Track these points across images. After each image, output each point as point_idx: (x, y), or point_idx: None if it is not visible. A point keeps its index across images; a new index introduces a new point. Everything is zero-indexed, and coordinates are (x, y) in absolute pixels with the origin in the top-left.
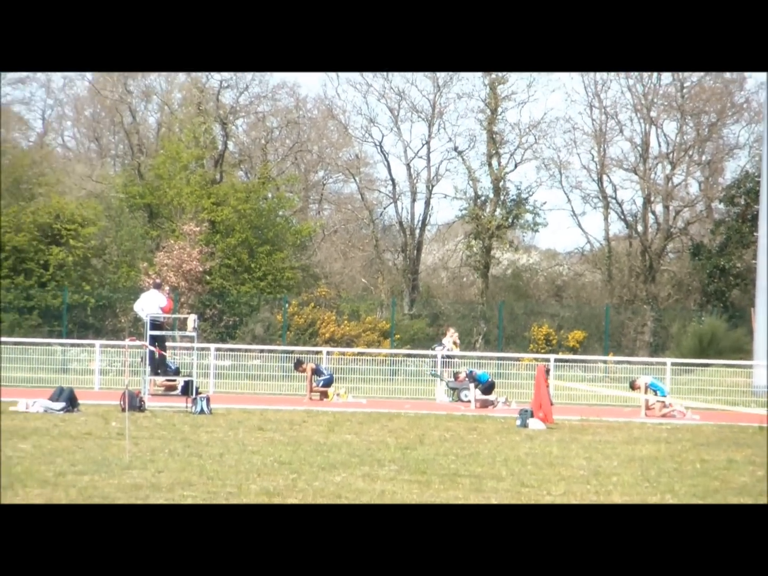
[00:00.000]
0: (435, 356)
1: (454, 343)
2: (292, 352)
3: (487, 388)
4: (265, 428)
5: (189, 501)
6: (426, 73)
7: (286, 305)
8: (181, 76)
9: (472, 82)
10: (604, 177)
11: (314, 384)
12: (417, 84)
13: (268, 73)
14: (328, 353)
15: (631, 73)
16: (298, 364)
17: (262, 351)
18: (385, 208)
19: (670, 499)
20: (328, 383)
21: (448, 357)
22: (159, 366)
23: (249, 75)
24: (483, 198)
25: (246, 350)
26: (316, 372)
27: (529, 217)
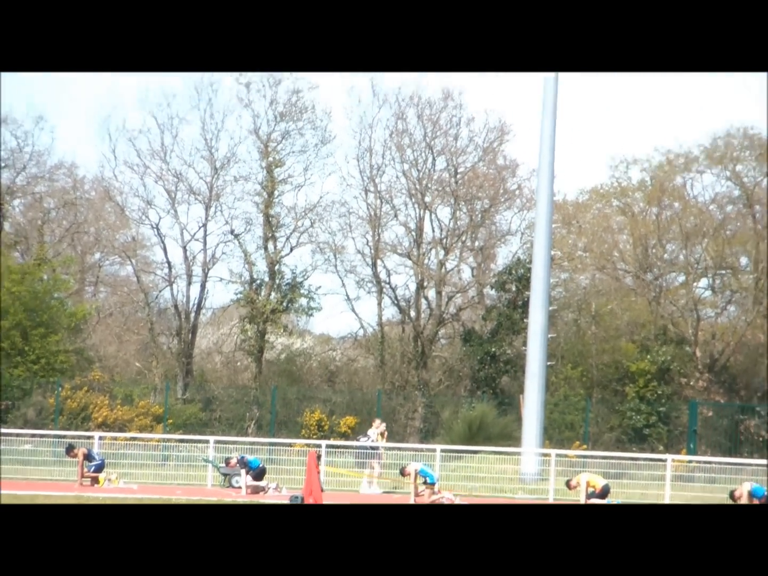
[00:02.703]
0: (219, 462)
1: (381, 434)
2: (64, 436)
3: (258, 473)
4: None
5: None
6: (203, 155)
7: (59, 389)
8: None
9: (249, 165)
10: (379, 261)
11: (86, 469)
12: (194, 166)
13: (46, 153)
14: (100, 438)
15: (406, 158)
16: (70, 449)
17: (33, 435)
18: (160, 291)
19: None
20: (99, 468)
21: (372, 449)
22: None
23: (26, 155)
24: (258, 281)
25: (17, 434)
26: (88, 457)
27: (303, 301)
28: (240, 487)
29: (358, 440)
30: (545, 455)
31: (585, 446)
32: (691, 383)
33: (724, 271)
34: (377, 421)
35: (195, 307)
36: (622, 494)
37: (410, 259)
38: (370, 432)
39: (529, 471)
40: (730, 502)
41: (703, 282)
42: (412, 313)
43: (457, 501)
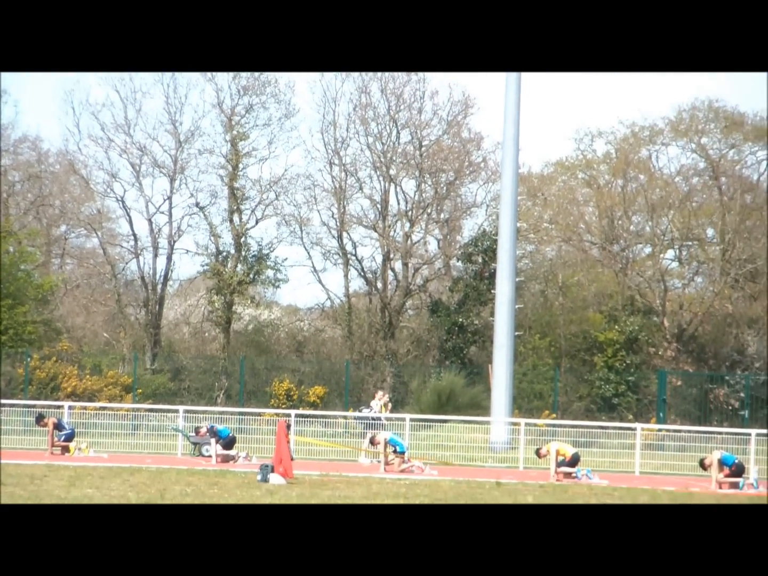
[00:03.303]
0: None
1: (384, 405)
2: (33, 406)
3: (228, 443)
4: (6, 483)
5: None
6: (167, 128)
7: (28, 359)
8: None
9: (213, 138)
10: (344, 234)
11: (56, 438)
12: (159, 139)
13: (10, 127)
14: (69, 408)
15: (371, 131)
16: (40, 419)
17: (3, 405)
18: (127, 263)
19: None
20: (69, 438)
21: (374, 419)
22: None
23: None
24: (224, 254)
25: None
26: (58, 426)
27: (270, 272)
28: (210, 456)
29: (360, 411)
30: (515, 424)
31: (554, 415)
32: (660, 353)
33: (690, 243)
34: (380, 393)
35: (162, 278)
36: (591, 463)
37: (376, 231)
38: (372, 403)
39: (499, 440)
40: (700, 470)
41: (670, 253)
42: (379, 285)
43: (427, 470)
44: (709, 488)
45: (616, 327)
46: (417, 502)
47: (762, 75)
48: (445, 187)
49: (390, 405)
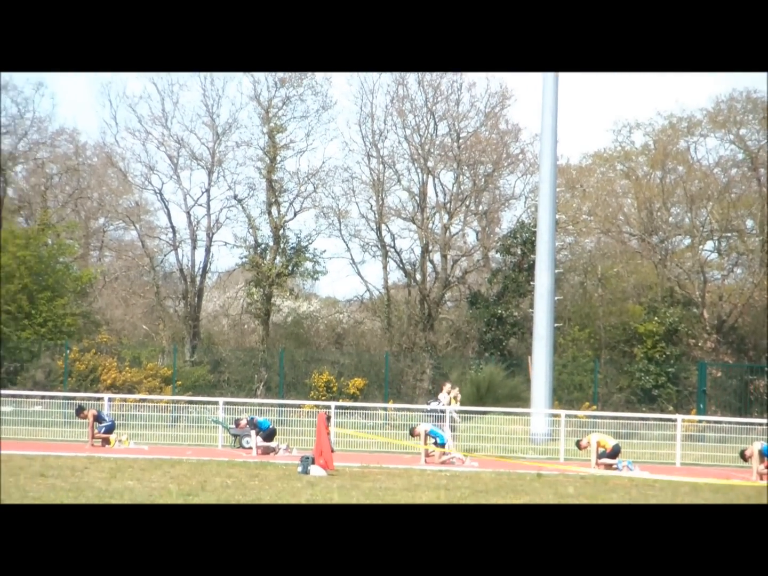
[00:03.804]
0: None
1: (454, 398)
2: (73, 398)
3: (269, 434)
4: (47, 474)
5: None
6: (205, 121)
7: (68, 351)
8: None
9: (250, 131)
10: (383, 226)
11: (96, 430)
12: (196, 132)
13: (47, 120)
14: (109, 400)
15: (408, 123)
16: (80, 411)
17: (43, 397)
18: (165, 256)
19: None
20: (109, 429)
21: (441, 411)
22: None
23: (28, 121)
24: (263, 246)
25: (27, 396)
26: (98, 418)
27: (309, 265)
28: (251, 448)
29: (428, 404)
30: (555, 416)
31: (594, 407)
32: (699, 344)
33: (729, 234)
34: (448, 385)
35: (200, 270)
36: (632, 454)
37: (414, 223)
38: (440, 396)
39: (539, 431)
40: (740, 461)
41: (709, 245)
42: (418, 277)
43: (468, 461)
44: (750, 479)
45: (656, 318)
46: (458, 494)
47: None
48: (483, 179)
49: (459, 397)
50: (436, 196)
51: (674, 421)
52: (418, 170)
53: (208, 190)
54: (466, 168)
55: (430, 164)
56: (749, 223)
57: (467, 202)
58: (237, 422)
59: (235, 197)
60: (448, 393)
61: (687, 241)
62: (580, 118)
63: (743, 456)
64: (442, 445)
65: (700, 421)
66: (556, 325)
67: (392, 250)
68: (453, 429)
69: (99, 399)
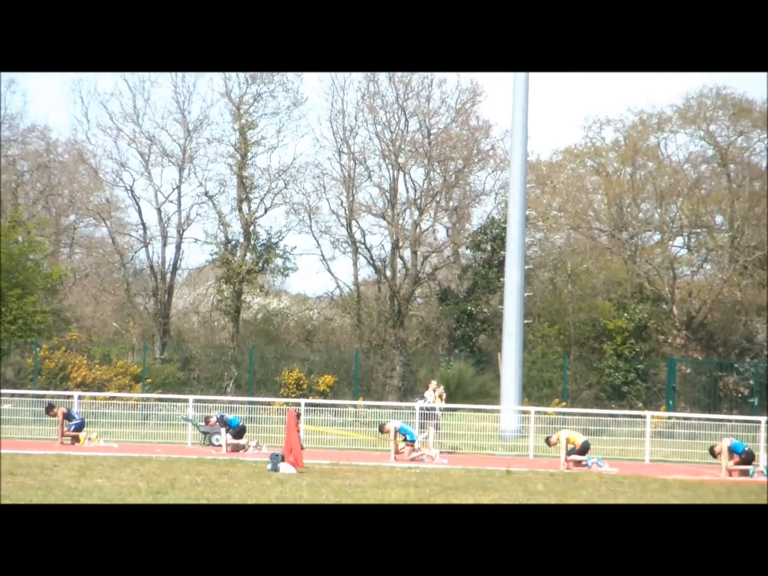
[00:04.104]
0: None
1: (439, 396)
2: (43, 396)
3: (238, 432)
4: (16, 473)
5: None
6: (176, 117)
7: (37, 349)
8: None
9: (221, 127)
10: (353, 222)
11: (66, 428)
12: (167, 128)
13: (18, 117)
14: (79, 397)
15: (379, 120)
16: (50, 409)
17: (12, 395)
18: (136, 253)
19: None
20: (79, 427)
21: (428, 410)
22: None
23: None
24: (233, 242)
25: None
26: (68, 416)
27: (279, 261)
28: (220, 445)
29: (414, 402)
30: (524, 412)
31: (564, 403)
32: (669, 340)
33: (699, 230)
34: (434, 383)
35: (171, 267)
36: (601, 451)
37: (385, 219)
38: (426, 394)
39: (509, 428)
40: (710, 458)
41: (679, 241)
42: (388, 273)
43: (438, 458)
44: (719, 476)
45: (625, 315)
46: (427, 491)
47: None
48: (453, 175)
49: (444, 395)
50: (407, 192)
51: (643, 417)
52: (389, 166)
53: (179, 187)
54: (436, 164)
55: (400, 160)
56: (719, 219)
57: (438, 198)
58: (207, 420)
59: (206, 194)
60: (434, 391)
61: (657, 237)
62: (550, 114)
63: (712, 452)
64: (412, 442)
65: (669, 418)
66: (525, 321)
67: (362, 246)
68: (437, 427)
69: (69, 397)
